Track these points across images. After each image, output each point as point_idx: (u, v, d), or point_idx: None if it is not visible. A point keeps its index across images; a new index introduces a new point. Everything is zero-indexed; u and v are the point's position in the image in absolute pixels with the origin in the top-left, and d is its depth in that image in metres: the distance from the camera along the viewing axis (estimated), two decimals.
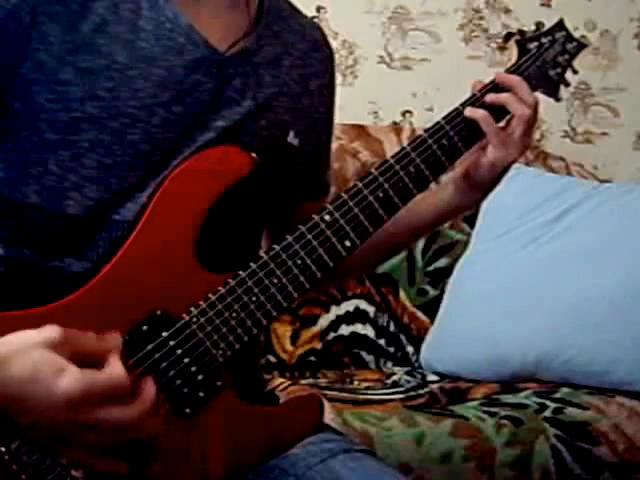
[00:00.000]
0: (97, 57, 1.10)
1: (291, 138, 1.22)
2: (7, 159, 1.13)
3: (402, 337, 2.30)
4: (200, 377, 1.08)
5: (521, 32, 1.27)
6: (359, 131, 2.38)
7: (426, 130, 1.20)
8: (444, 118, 1.20)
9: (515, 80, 1.22)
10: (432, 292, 2.33)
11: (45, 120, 1.10)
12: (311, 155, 1.30)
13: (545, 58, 1.27)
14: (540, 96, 1.29)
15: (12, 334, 0.96)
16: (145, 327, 1.08)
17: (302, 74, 1.26)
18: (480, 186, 1.25)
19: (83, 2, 1.11)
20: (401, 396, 1.96)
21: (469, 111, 1.20)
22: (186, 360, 1.08)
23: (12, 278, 1.12)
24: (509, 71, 1.24)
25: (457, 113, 1.21)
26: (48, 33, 1.09)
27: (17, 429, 0.96)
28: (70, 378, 0.93)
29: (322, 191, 1.38)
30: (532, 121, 1.21)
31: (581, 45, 1.31)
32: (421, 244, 2.33)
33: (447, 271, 2.32)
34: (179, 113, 1.13)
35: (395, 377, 2.14)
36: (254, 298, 1.10)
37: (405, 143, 1.21)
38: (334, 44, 2.42)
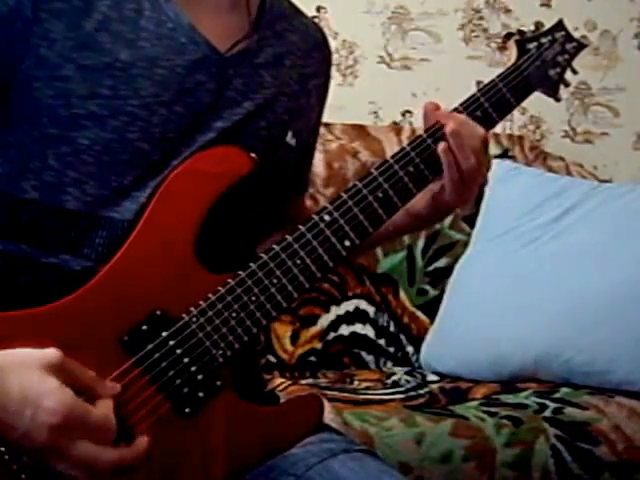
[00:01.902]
0: (99, 55, 1.10)
1: (289, 138, 1.23)
2: (6, 153, 1.13)
3: (402, 337, 2.30)
4: (200, 377, 1.08)
5: (521, 32, 1.27)
6: (359, 131, 2.38)
7: (426, 130, 1.20)
8: None
9: (450, 130, 1.17)
10: (432, 292, 2.33)
11: (46, 115, 1.10)
12: (302, 154, 1.31)
13: (545, 58, 1.27)
14: (540, 96, 1.29)
15: (14, 350, 0.96)
16: (145, 327, 1.08)
17: (302, 74, 1.26)
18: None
19: (86, 0, 1.11)
20: (401, 396, 1.96)
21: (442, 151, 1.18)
22: (186, 360, 1.08)
23: (9, 273, 1.12)
24: (509, 71, 1.24)
25: (457, 113, 1.20)
26: (50, 30, 1.09)
27: (3, 440, 0.97)
28: (59, 399, 0.94)
29: (306, 187, 1.41)
30: (481, 158, 1.18)
31: (581, 45, 1.31)
32: (421, 244, 2.33)
33: (447, 271, 2.32)
34: (179, 113, 1.13)
35: (395, 377, 2.14)
36: (254, 298, 1.11)
37: (405, 143, 1.21)
38: (334, 44, 2.45)
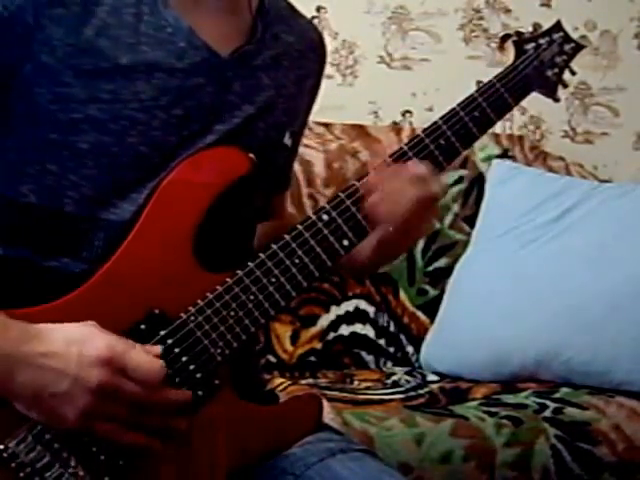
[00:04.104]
0: (99, 60, 1.10)
1: (286, 139, 1.24)
2: (4, 158, 1.13)
3: (402, 337, 2.30)
4: (198, 376, 1.09)
5: (518, 33, 1.27)
6: (359, 131, 2.38)
7: (424, 130, 1.20)
8: (442, 118, 1.21)
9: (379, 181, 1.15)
10: (432, 292, 2.33)
11: (46, 120, 1.10)
12: (292, 152, 1.32)
13: (543, 59, 1.27)
14: (540, 96, 1.29)
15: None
16: (143, 326, 1.08)
17: (299, 74, 1.27)
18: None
19: (85, 6, 1.11)
20: (401, 396, 1.96)
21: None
22: (184, 359, 1.08)
23: (8, 277, 1.12)
24: (507, 71, 1.24)
25: (454, 113, 1.20)
26: (51, 36, 1.09)
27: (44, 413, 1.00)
28: (102, 337, 1.00)
29: (289, 182, 1.40)
30: (425, 204, 1.16)
31: (579, 46, 1.31)
32: (421, 244, 2.33)
33: (447, 271, 2.32)
34: (179, 116, 1.13)
35: (395, 377, 2.14)
36: (252, 297, 1.11)
37: (405, 143, 1.21)
38: (334, 44, 2.45)
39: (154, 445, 1.04)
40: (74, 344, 0.99)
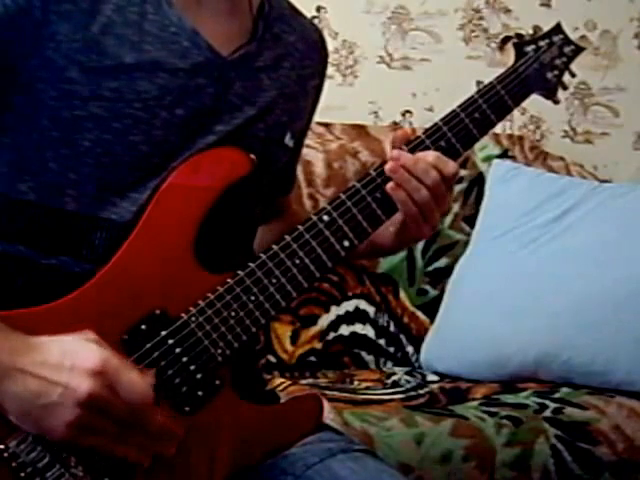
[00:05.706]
0: (104, 58, 1.10)
1: (287, 139, 1.24)
2: (3, 155, 1.13)
3: (402, 337, 2.30)
4: (199, 376, 1.09)
5: (518, 35, 1.27)
6: (359, 131, 2.38)
7: (425, 131, 1.20)
8: (442, 120, 1.21)
9: (409, 163, 1.15)
10: (432, 292, 2.33)
11: (47, 117, 1.10)
12: (294, 154, 1.32)
13: (542, 61, 1.27)
14: (539, 97, 1.29)
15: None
16: (144, 326, 1.08)
17: (301, 75, 1.27)
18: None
19: (92, 3, 1.11)
20: (401, 396, 1.96)
21: (391, 189, 1.16)
22: (185, 359, 1.08)
23: (8, 275, 1.12)
24: (507, 73, 1.24)
25: (455, 114, 1.21)
26: (58, 31, 1.09)
27: (37, 424, 0.99)
28: (96, 349, 0.99)
29: (293, 185, 1.41)
30: (439, 194, 1.16)
31: (579, 48, 1.31)
32: (421, 244, 2.33)
33: (447, 271, 2.32)
34: (181, 116, 1.14)
35: (395, 377, 2.14)
36: (253, 297, 1.11)
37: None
38: (334, 44, 2.45)
39: (143, 461, 1.03)
40: (68, 355, 0.98)
